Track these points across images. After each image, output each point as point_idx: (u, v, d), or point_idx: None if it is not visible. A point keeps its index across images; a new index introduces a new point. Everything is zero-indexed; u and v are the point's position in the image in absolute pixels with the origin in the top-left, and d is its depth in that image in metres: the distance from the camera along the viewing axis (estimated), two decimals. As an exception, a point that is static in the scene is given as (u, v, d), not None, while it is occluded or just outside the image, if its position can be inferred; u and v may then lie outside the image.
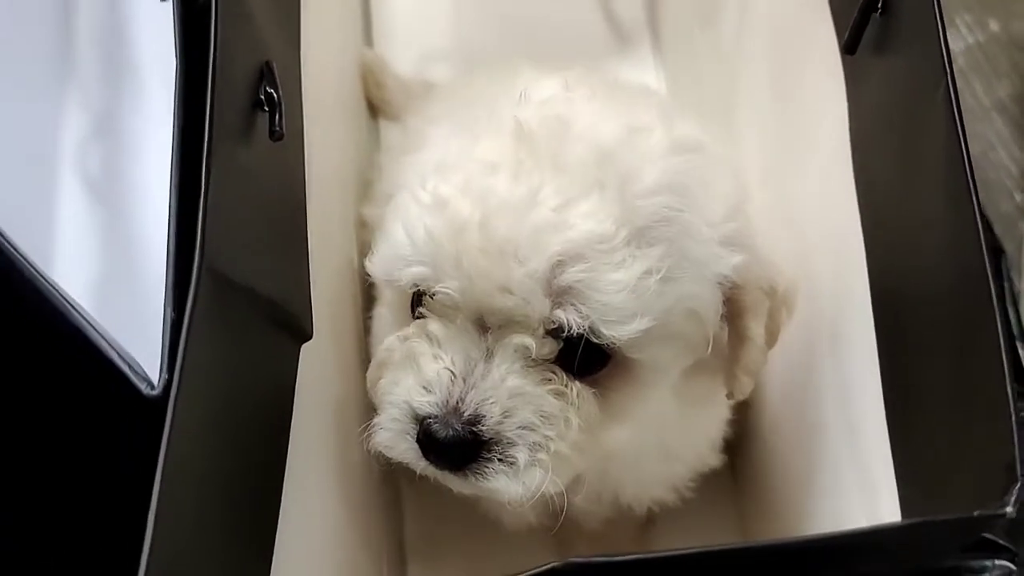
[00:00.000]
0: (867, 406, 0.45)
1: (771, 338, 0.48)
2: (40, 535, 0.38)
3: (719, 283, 0.44)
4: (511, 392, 0.42)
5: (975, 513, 0.29)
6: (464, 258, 0.41)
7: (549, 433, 0.43)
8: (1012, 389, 0.32)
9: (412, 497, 0.67)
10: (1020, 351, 0.61)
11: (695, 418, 0.53)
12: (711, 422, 0.56)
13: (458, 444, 0.42)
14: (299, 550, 0.43)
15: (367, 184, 0.72)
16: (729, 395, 0.49)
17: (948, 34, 1.09)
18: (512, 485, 0.43)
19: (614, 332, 0.41)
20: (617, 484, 0.55)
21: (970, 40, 1.02)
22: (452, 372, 0.43)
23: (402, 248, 0.43)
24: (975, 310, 0.35)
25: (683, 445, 0.54)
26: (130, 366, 0.33)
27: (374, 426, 0.45)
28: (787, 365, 0.55)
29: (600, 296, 0.41)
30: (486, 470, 0.43)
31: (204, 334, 0.33)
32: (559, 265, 0.41)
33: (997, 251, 0.78)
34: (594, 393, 0.44)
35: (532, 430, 0.43)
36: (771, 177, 0.59)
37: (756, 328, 0.46)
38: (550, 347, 0.43)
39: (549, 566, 0.29)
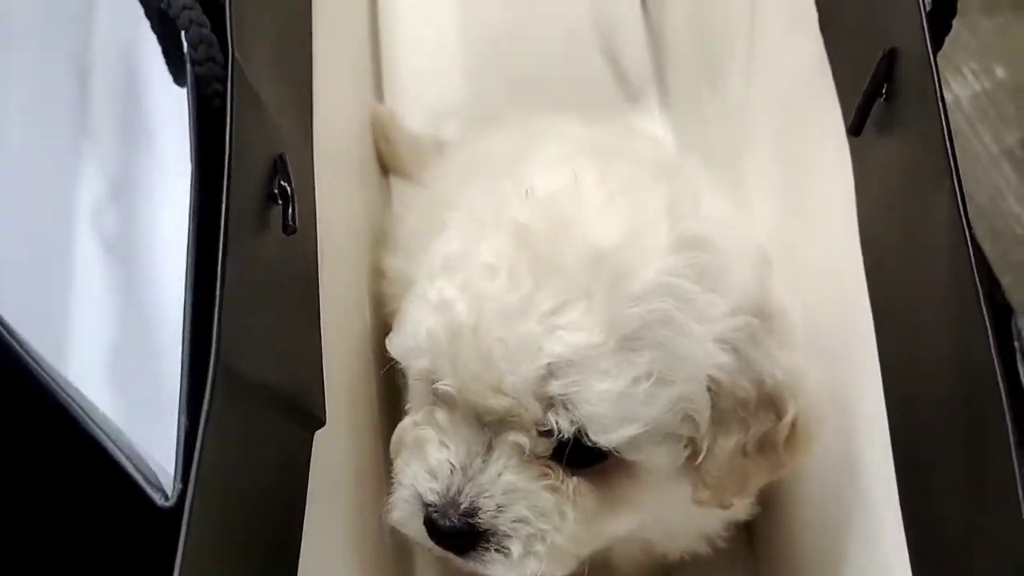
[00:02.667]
0: (879, 484, 0.45)
1: (775, 457, 0.46)
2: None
3: (713, 385, 0.44)
4: (505, 488, 0.44)
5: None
6: (458, 360, 0.42)
7: (544, 527, 0.44)
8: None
9: (428, 562, 0.67)
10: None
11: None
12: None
13: (456, 534, 0.44)
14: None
15: (383, 234, 0.72)
16: (696, 502, 0.47)
17: (955, 83, 1.08)
18: (509, 572, 0.44)
19: (601, 439, 0.42)
20: (647, 538, 0.55)
21: (977, 88, 1.03)
22: (452, 465, 0.44)
23: (412, 340, 0.45)
24: (985, 402, 0.35)
25: (702, 513, 0.54)
26: (145, 477, 0.34)
27: (390, 503, 0.46)
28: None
29: (588, 406, 0.41)
30: (484, 557, 0.44)
31: (219, 438, 0.34)
32: (548, 374, 0.41)
33: (1007, 310, 0.78)
34: (592, 487, 0.45)
35: (526, 523, 0.44)
36: (778, 237, 0.58)
37: (724, 436, 0.45)
38: (544, 445, 0.43)
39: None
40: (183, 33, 0.40)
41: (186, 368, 0.35)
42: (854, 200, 0.49)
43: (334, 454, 0.49)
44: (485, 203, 0.46)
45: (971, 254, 0.37)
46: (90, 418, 0.34)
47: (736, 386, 0.44)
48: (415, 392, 0.48)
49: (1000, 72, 1.03)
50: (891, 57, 0.44)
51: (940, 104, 0.40)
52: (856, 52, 0.48)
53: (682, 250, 0.43)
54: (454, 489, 0.44)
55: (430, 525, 0.44)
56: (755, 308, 0.44)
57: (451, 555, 0.45)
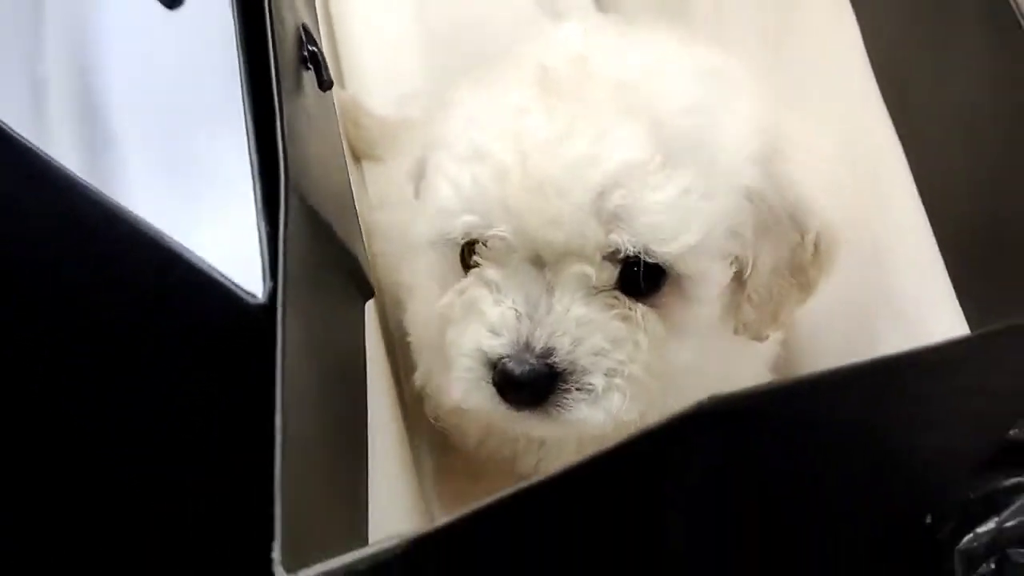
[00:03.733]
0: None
1: (802, 280, 0.47)
2: (180, 443, 0.37)
3: (748, 199, 0.45)
4: (578, 321, 0.43)
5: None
6: (511, 200, 0.42)
7: (621, 356, 0.43)
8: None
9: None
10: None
11: (747, 343, 0.52)
12: (763, 345, 0.54)
13: (535, 378, 0.42)
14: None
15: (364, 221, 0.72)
16: (736, 330, 0.48)
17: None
18: (594, 412, 0.43)
19: (666, 249, 0.42)
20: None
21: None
22: (517, 311, 0.43)
23: (448, 201, 0.44)
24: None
25: (742, 367, 0.54)
26: (232, 282, 0.33)
27: (447, 383, 0.45)
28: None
29: (646, 218, 0.42)
30: (566, 401, 0.43)
31: (293, 246, 0.33)
32: (601, 195, 0.42)
33: None
34: (655, 314, 0.44)
35: (604, 355, 0.43)
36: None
37: (764, 251, 0.46)
38: (608, 272, 0.43)
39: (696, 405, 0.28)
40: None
41: (258, 186, 0.34)
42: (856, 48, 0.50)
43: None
44: (495, 69, 0.47)
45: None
46: (174, 243, 0.33)
47: (768, 199, 0.45)
48: (443, 272, 0.48)
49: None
50: None
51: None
52: None
53: (704, 77, 0.45)
54: (524, 335, 0.43)
55: (503, 381, 0.43)
56: (771, 131, 0.46)
57: (525, 416, 0.44)
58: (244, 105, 0.37)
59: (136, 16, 0.83)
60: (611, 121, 0.42)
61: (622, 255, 0.42)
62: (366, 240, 0.66)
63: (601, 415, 0.43)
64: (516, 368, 0.42)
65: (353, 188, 0.79)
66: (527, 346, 0.42)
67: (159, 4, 0.64)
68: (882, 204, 0.49)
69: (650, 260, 0.42)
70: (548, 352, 0.42)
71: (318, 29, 0.51)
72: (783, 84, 0.62)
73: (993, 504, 0.57)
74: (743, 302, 0.47)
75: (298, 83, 0.41)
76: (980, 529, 0.56)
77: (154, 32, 0.79)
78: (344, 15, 0.96)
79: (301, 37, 0.43)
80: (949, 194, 0.45)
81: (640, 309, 0.44)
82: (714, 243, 0.44)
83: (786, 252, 0.46)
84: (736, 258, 0.45)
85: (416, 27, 0.96)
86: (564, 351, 0.42)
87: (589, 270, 0.43)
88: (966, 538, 0.56)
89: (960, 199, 0.44)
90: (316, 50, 0.42)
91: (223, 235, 0.41)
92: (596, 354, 0.43)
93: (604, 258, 0.43)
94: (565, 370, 0.43)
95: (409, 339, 0.58)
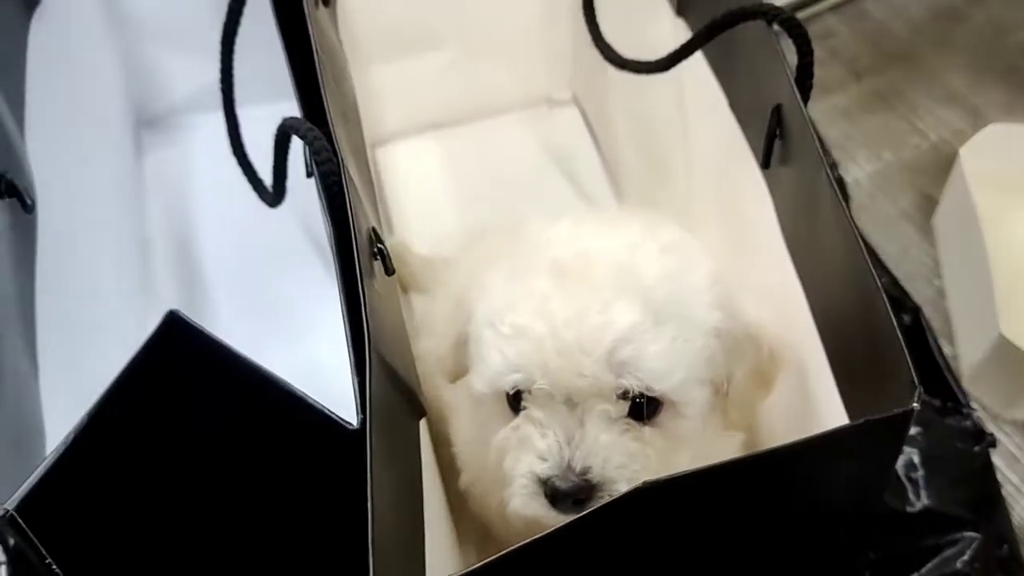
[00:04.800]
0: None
1: (763, 382, 0.64)
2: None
3: (717, 336, 0.60)
4: (605, 445, 0.57)
5: (894, 411, 0.46)
6: (548, 362, 0.57)
7: (636, 467, 0.57)
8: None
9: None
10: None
11: (726, 437, 0.68)
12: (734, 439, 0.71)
13: (578, 490, 0.56)
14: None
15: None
16: (724, 427, 0.64)
17: (852, 167, 1.30)
18: None
19: (662, 386, 0.57)
20: None
21: (869, 168, 1.26)
22: (559, 442, 0.57)
23: (499, 366, 0.59)
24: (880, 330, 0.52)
25: (723, 452, 0.68)
26: (334, 414, 0.50)
27: (507, 497, 0.59)
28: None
29: (647, 364, 0.57)
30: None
31: (375, 389, 0.50)
32: (612, 351, 0.56)
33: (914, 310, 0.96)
34: (658, 433, 0.59)
35: (625, 467, 0.57)
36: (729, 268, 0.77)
37: (738, 368, 0.63)
38: (622, 406, 0.58)
39: (633, 488, 0.44)
40: (307, 145, 0.59)
41: (351, 348, 0.52)
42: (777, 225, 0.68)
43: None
44: (515, 265, 0.63)
45: (856, 236, 0.54)
46: (286, 383, 0.50)
47: (732, 331, 0.61)
48: (494, 415, 0.62)
49: (887, 155, 1.27)
50: (778, 110, 0.65)
51: (814, 138, 0.60)
52: (755, 111, 0.68)
53: (668, 251, 0.61)
54: (566, 460, 0.57)
55: (552, 494, 0.56)
56: (723, 281, 0.63)
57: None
58: (339, 289, 0.55)
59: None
60: (612, 296, 0.57)
61: (631, 394, 0.57)
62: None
63: None
64: (562, 485, 0.56)
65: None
66: (569, 466, 0.57)
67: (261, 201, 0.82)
68: (792, 324, 0.67)
69: (651, 395, 0.57)
70: (585, 470, 0.56)
71: (381, 228, 0.69)
72: (733, 238, 0.79)
73: (914, 562, 0.71)
74: (728, 407, 0.63)
75: (372, 270, 0.59)
76: (901, 584, 0.70)
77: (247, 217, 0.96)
78: (390, 171, 1.15)
79: (371, 236, 0.61)
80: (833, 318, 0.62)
81: (647, 431, 0.58)
82: (696, 374, 0.59)
83: (751, 363, 0.63)
84: (712, 380, 0.61)
85: (451, 181, 1.14)
86: (597, 468, 0.56)
87: (608, 406, 0.57)
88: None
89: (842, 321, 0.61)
90: (382, 247, 0.60)
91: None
92: (619, 467, 0.57)
93: (618, 397, 0.57)
94: (599, 482, 0.57)
95: (454, 449, 0.73)
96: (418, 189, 1.13)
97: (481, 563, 0.43)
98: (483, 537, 0.76)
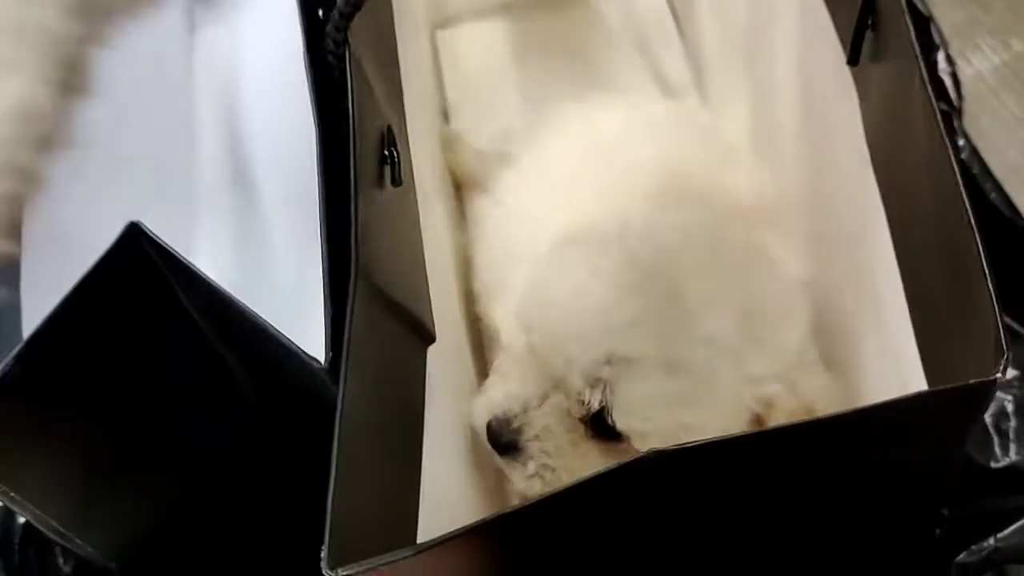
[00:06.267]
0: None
1: None
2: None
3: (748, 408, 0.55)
4: (543, 427, 0.57)
5: (971, 381, 0.37)
6: (549, 328, 0.56)
7: (557, 464, 0.57)
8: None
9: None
10: None
11: None
12: None
13: (499, 442, 0.57)
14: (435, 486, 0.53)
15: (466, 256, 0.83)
16: None
17: (974, 57, 1.16)
18: (518, 480, 0.58)
19: (619, 421, 0.54)
20: None
21: (996, 60, 1.10)
22: (519, 398, 0.57)
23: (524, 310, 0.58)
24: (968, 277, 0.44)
25: None
26: (301, 350, 0.46)
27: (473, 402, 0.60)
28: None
29: (623, 395, 0.53)
30: (510, 463, 0.58)
31: (360, 327, 0.44)
32: (605, 362, 0.53)
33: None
34: (603, 456, 0.56)
35: (547, 455, 0.57)
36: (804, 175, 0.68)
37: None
38: (579, 410, 0.55)
39: (637, 456, 0.38)
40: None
41: (326, 270, 0.46)
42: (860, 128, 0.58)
43: (438, 367, 0.59)
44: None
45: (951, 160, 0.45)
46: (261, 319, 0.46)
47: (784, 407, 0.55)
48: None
49: (1017, 45, 1.11)
50: (870, -4, 0.54)
51: (911, 30, 0.49)
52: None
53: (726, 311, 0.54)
54: (512, 414, 0.57)
55: (489, 428, 0.58)
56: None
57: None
58: (320, 206, 0.49)
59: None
60: (638, 317, 0.54)
61: (586, 406, 0.55)
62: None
63: (523, 485, 0.57)
64: (496, 429, 0.58)
65: (450, 218, 0.90)
66: (508, 422, 0.57)
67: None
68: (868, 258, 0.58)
69: (609, 422, 0.55)
70: (518, 431, 0.57)
71: (403, 126, 0.62)
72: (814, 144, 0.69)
73: (994, 523, 0.63)
74: None
75: (380, 178, 0.52)
76: (978, 545, 0.63)
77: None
78: (450, 56, 1.07)
79: (383, 137, 0.54)
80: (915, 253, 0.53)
81: (590, 445, 0.56)
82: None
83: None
84: None
85: (517, 67, 1.05)
86: (525, 438, 0.57)
87: (565, 402, 0.56)
88: (964, 552, 0.62)
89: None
90: (394, 151, 0.53)
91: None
92: (543, 452, 0.57)
93: (578, 401, 0.55)
94: (521, 448, 0.57)
95: None
96: (481, 76, 1.05)
97: (480, 521, 0.38)
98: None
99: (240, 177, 0.98)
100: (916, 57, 0.49)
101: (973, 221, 0.42)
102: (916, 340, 0.50)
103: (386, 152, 0.53)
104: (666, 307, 0.53)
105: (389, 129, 0.54)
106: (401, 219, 0.56)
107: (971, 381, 0.37)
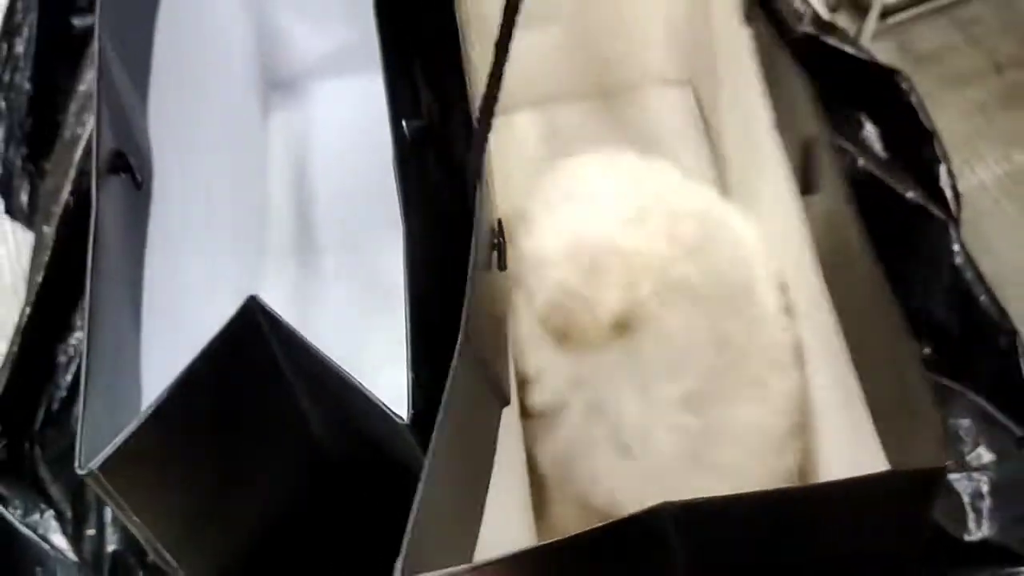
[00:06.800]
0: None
1: None
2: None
3: None
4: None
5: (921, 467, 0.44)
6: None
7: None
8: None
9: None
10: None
11: None
12: None
13: None
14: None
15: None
16: None
17: (979, 168, 1.23)
18: None
19: None
20: None
21: (997, 171, 1.19)
22: None
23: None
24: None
25: None
26: (387, 407, 0.53)
27: None
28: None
29: None
30: None
31: (458, 382, 0.51)
32: None
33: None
34: None
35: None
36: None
37: None
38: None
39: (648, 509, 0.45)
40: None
41: (410, 339, 0.55)
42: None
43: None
44: None
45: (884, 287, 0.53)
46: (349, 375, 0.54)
47: None
48: None
49: (1018, 156, 1.20)
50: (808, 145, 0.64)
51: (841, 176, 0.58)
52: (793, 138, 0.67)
53: None
54: None
55: None
56: None
57: None
58: (405, 275, 0.57)
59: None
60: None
61: None
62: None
63: None
64: None
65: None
66: None
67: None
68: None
69: None
70: None
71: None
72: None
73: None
74: None
75: (489, 262, 0.60)
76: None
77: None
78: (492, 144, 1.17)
79: (493, 229, 0.62)
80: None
81: None
82: None
83: None
84: None
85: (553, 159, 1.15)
86: None
87: None
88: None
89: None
90: (502, 240, 0.62)
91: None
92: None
93: None
94: None
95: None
96: (519, 164, 1.14)
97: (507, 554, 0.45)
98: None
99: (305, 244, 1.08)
100: (848, 196, 0.57)
101: (905, 336, 0.49)
102: (875, 426, 0.56)
103: (495, 241, 0.62)
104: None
105: (499, 222, 0.63)
106: (500, 298, 0.64)
107: (920, 467, 0.45)
